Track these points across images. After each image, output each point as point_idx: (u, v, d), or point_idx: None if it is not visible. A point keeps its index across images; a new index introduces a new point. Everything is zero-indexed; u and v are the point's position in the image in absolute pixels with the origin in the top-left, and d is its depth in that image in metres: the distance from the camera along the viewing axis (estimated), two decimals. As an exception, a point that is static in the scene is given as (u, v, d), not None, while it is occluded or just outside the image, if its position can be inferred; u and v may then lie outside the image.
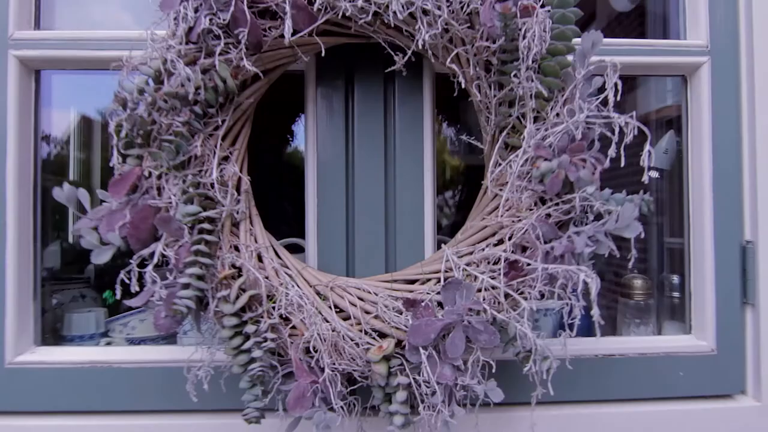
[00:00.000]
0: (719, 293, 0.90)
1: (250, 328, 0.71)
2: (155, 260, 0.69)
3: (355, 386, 0.76)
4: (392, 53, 0.78)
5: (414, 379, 0.71)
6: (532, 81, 0.69)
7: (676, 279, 0.97)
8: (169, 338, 1.07)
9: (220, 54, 0.70)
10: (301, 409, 0.70)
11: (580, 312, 0.70)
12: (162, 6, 0.68)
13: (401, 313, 0.73)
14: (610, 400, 0.89)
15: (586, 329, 1.03)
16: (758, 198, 0.88)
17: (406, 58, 0.77)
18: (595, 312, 0.61)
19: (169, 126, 0.71)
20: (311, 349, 0.72)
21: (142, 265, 0.69)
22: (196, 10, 0.68)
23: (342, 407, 0.72)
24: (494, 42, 0.71)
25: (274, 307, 0.73)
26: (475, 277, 0.73)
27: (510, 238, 0.71)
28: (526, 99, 0.70)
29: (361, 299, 0.75)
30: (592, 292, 0.62)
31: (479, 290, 0.72)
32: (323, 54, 0.76)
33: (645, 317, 0.97)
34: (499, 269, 0.71)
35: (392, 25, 0.76)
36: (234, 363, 0.72)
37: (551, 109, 0.71)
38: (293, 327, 0.74)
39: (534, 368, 0.68)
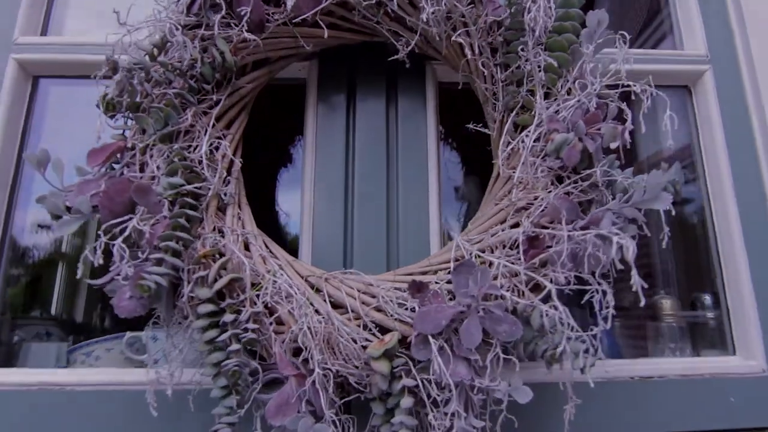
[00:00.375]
0: (761, 308, 0.80)
1: (228, 317, 0.60)
2: (127, 233, 0.60)
3: (350, 398, 0.63)
4: (395, 42, 0.77)
5: (422, 382, 0.59)
6: (540, 55, 0.67)
7: (707, 298, 0.88)
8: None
9: (220, 28, 0.68)
10: (283, 417, 0.57)
11: (605, 327, 0.60)
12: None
13: (406, 302, 0.63)
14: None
15: (615, 353, 0.91)
16: (786, 199, 0.82)
17: (409, 48, 0.76)
18: (635, 278, 0.52)
19: (162, 97, 0.67)
20: (300, 345, 0.61)
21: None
22: (200, -15, 0.68)
23: (334, 422, 0.59)
24: (499, 21, 0.70)
25: (258, 296, 0.63)
26: (491, 263, 0.64)
27: (528, 217, 0.64)
28: (535, 74, 0.68)
29: (360, 291, 0.65)
30: (628, 255, 0.53)
31: (495, 277, 0.63)
32: (326, 36, 0.74)
33: (680, 341, 0.85)
34: (517, 253, 0.63)
35: (394, 15, 0.76)
36: (206, 362, 0.60)
37: (561, 86, 0.69)
38: (279, 322, 0.64)
39: (569, 360, 0.57)
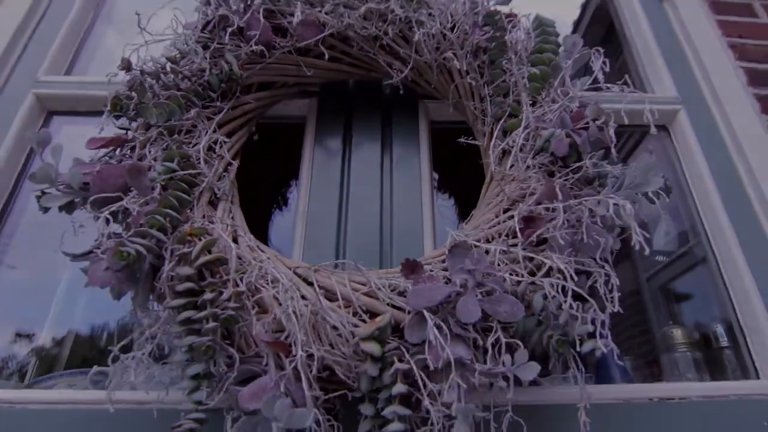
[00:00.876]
0: (779, 332, 0.76)
1: (208, 296, 0.56)
2: (114, 207, 0.59)
3: (336, 393, 0.56)
4: (389, 70, 0.84)
5: (417, 368, 0.53)
6: (524, 68, 0.73)
7: (719, 327, 0.82)
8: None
9: (230, 42, 0.75)
10: (257, 402, 0.50)
11: (613, 310, 0.57)
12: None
13: (399, 285, 0.59)
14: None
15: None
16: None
17: (403, 75, 0.83)
18: (636, 231, 0.50)
19: (169, 98, 0.71)
20: (284, 325, 0.55)
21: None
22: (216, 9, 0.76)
23: (318, 421, 0.51)
24: (484, 47, 0.78)
25: (242, 279, 0.59)
26: (487, 251, 0.62)
27: (524, 204, 0.63)
28: (519, 82, 0.73)
29: (351, 280, 0.62)
30: (625, 216, 0.52)
31: (493, 264, 0.60)
32: (326, 58, 0.81)
33: (697, 372, 0.78)
34: (515, 239, 0.61)
35: (389, 49, 0.84)
36: (179, 345, 0.55)
37: (545, 96, 0.73)
38: (263, 309, 0.59)
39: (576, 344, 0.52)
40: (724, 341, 0.80)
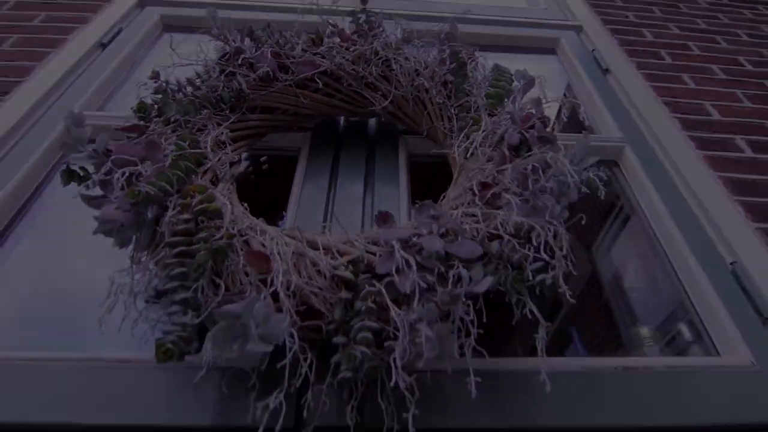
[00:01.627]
0: (736, 319, 0.80)
1: (202, 235, 0.63)
2: (131, 170, 0.69)
3: (311, 322, 0.60)
4: (373, 102, 1.00)
5: (386, 291, 0.58)
6: (482, 88, 0.89)
7: (682, 325, 0.86)
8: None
9: (241, 67, 0.92)
10: (238, 308, 0.54)
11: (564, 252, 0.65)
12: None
13: (370, 239, 0.66)
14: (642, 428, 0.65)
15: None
16: (718, 223, 0.92)
17: (384, 104, 0.99)
18: (568, 170, 0.60)
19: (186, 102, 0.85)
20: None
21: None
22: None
23: (294, 335, 0.55)
24: (451, 81, 0.95)
25: (234, 227, 0.66)
26: (452, 215, 0.70)
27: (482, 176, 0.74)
28: (479, 102, 0.88)
29: (333, 238, 0.69)
30: (561, 165, 0.62)
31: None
32: (320, 86, 0.97)
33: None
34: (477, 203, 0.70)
35: (373, 86, 1.01)
36: (170, 276, 0.60)
37: (500, 111, 0.88)
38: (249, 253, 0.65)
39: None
40: (688, 335, 0.84)
